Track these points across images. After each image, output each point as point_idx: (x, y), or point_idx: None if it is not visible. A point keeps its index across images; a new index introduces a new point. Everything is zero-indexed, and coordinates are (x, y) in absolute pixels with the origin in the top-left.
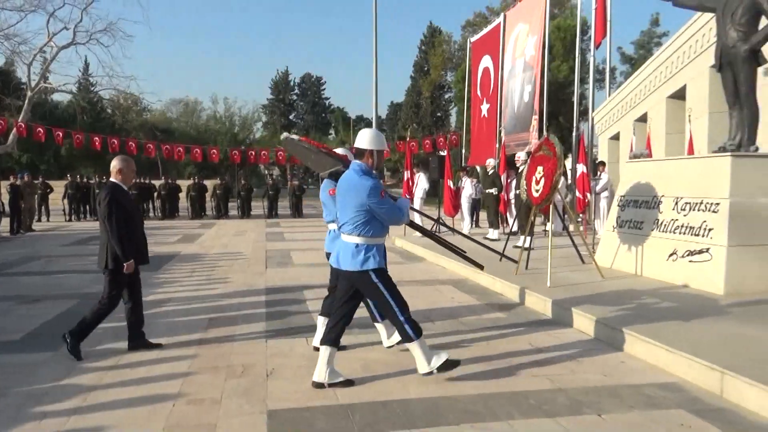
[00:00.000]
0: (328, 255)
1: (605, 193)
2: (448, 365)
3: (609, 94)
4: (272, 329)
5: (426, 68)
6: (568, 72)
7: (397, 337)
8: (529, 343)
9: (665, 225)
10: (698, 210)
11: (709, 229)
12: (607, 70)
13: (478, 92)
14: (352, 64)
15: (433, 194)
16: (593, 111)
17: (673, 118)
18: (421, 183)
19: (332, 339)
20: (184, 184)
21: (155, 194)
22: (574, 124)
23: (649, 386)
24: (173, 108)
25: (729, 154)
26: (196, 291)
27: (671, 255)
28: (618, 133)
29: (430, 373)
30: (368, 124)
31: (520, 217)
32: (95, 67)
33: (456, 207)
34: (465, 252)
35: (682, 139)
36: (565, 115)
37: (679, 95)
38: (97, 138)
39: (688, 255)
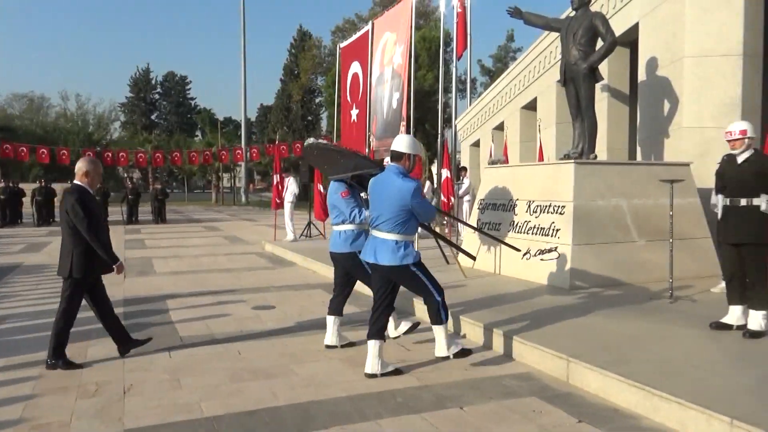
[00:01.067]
0: (332, 255)
1: (467, 197)
2: (464, 353)
3: (470, 104)
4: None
5: (296, 72)
6: (433, 81)
7: (403, 327)
8: (397, 342)
9: (520, 226)
10: (547, 212)
11: (557, 230)
12: (468, 80)
13: (348, 97)
14: (219, 65)
15: (304, 198)
16: (456, 119)
17: (527, 128)
18: (291, 187)
19: (378, 331)
20: (28, 187)
21: None
22: (439, 131)
23: (506, 377)
24: (15, 104)
25: (572, 161)
26: (41, 305)
27: (525, 254)
28: (478, 140)
29: (447, 357)
30: (237, 126)
31: None
32: None
33: (326, 211)
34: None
35: (534, 146)
36: (431, 122)
37: (531, 106)
38: None
39: (539, 254)
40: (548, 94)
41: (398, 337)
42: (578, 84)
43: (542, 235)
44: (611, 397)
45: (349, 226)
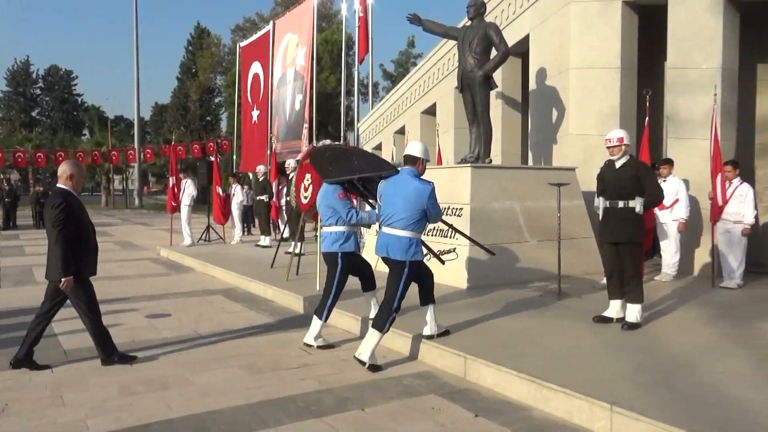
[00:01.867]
0: (325, 255)
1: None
2: (375, 368)
3: (372, 107)
4: (5, 359)
5: (194, 70)
6: (336, 84)
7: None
8: (298, 347)
9: None
10: (447, 214)
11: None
12: (370, 84)
13: (249, 98)
14: (109, 60)
15: (203, 201)
16: (359, 122)
17: (427, 132)
18: (189, 190)
19: (381, 325)
20: None
21: None
22: (342, 134)
23: (407, 377)
24: None
25: (469, 165)
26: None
27: (426, 255)
28: (380, 144)
29: (363, 363)
30: (129, 125)
31: (291, 224)
32: None
33: (226, 214)
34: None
35: (434, 150)
36: (334, 125)
37: (431, 111)
38: None
39: (440, 255)
40: (447, 100)
41: (432, 336)
42: (474, 91)
43: (442, 236)
44: (505, 390)
45: (340, 228)
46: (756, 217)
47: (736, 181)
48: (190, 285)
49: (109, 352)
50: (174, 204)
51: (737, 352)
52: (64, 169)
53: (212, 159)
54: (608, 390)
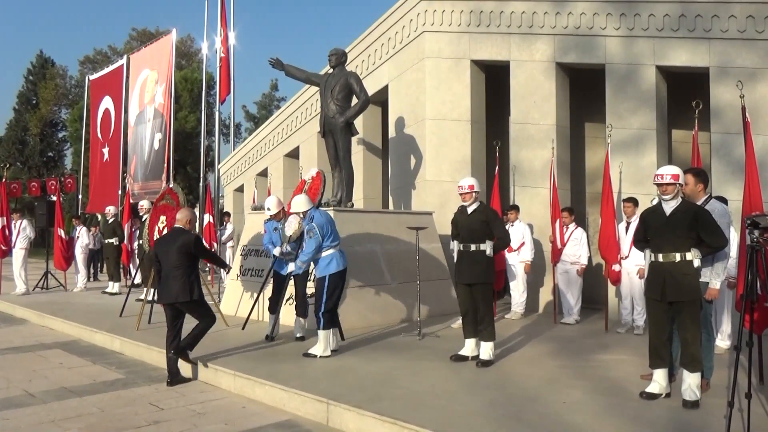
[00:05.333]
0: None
1: (230, 243)
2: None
3: (234, 148)
4: None
5: (35, 101)
6: (196, 123)
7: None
8: (149, 402)
9: None
10: None
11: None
12: (232, 125)
13: (99, 134)
14: None
15: (42, 244)
16: (219, 163)
17: (290, 175)
18: (25, 231)
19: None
20: None
21: None
22: (201, 175)
23: (267, 427)
24: None
25: (332, 208)
26: None
27: (288, 299)
28: (242, 186)
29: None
30: None
31: (143, 269)
32: None
33: (68, 259)
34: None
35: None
36: (193, 165)
37: (294, 154)
38: None
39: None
40: (310, 144)
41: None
42: (336, 136)
43: None
44: None
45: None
46: (589, 258)
47: (572, 226)
48: (22, 339)
49: (187, 352)
50: (4, 248)
51: (577, 384)
52: (188, 217)
53: (53, 198)
54: (465, 426)
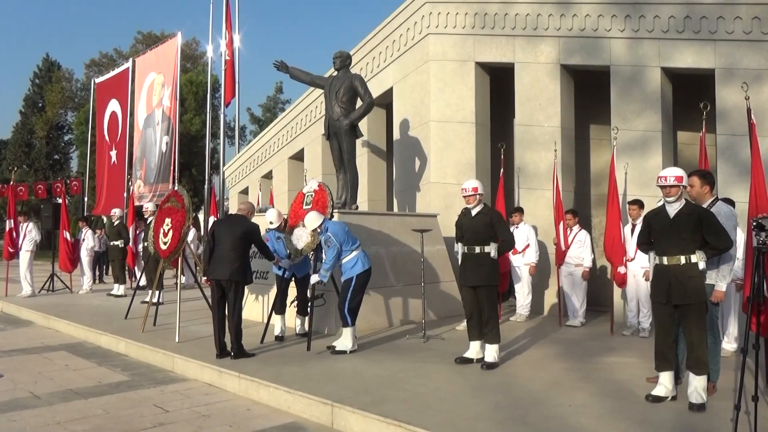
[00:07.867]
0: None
1: None
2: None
3: (239, 151)
4: None
5: (41, 104)
6: (201, 126)
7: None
8: (154, 404)
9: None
10: None
11: None
12: (237, 128)
13: (106, 137)
14: None
15: (47, 246)
16: (224, 165)
17: (294, 177)
18: (31, 234)
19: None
20: None
21: None
22: (207, 177)
23: (271, 429)
24: None
25: (336, 211)
26: None
27: (293, 302)
28: (247, 188)
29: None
30: None
31: (148, 271)
32: None
33: (74, 261)
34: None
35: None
36: (198, 167)
37: (298, 157)
38: None
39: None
40: (314, 146)
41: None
42: (341, 138)
43: None
44: None
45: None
46: (593, 261)
47: (576, 228)
48: (27, 340)
49: (242, 352)
50: (11, 250)
51: (581, 386)
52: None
53: (59, 201)
54: (470, 429)
